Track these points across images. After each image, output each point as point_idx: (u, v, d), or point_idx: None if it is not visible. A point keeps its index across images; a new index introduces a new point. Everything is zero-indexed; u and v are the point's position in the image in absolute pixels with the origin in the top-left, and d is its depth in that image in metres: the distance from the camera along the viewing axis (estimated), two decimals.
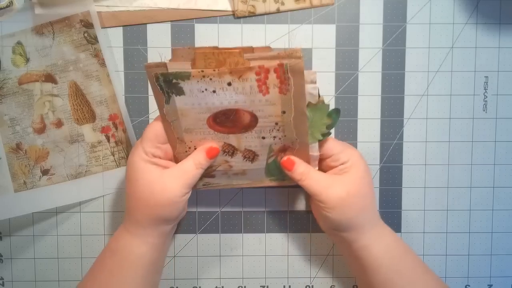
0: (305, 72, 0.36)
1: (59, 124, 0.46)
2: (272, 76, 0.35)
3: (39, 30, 0.45)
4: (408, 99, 0.47)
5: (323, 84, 0.46)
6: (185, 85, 0.36)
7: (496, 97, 0.47)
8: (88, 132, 0.46)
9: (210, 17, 0.46)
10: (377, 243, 0.39)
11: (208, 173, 0.42)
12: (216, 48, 0.35)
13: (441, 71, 0.47)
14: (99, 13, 0.45)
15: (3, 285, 0.47)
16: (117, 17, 0.46)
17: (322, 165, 0.42)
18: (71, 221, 0.47)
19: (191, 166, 0.39)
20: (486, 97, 0.47)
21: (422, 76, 0.47)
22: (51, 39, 0.45)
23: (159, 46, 0.46)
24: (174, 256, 0.48)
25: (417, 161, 0.47)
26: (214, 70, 0.35)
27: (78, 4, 0.45)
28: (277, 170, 0.42)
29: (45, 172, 0.46)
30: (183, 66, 0.35)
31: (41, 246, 0.47)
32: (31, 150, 0.46)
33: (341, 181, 0.39)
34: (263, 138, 0.40)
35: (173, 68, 0.35)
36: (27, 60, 0.45)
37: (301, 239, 0.48)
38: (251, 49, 0.36)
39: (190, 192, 0.39)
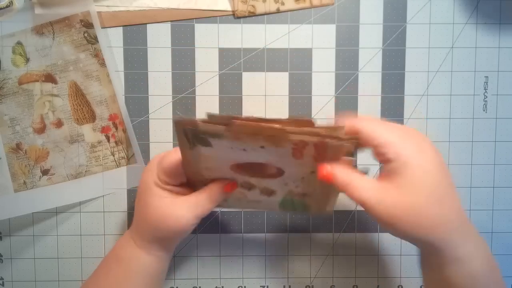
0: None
1: (59, 124, 0.46)
2: (310, 148, 0.33)
3: (39, 30, 0.45)
4: (408, 99, 0.47)
5: (323, 84, 0.46)
6: (214, 141, 0.33)
7: (496, 97, 0.47)
8: (88, 132, 0.46)
9: (210, 17, 0.46)
10: (475, 261, 0.30)
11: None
12: (256, 120, 0.31)
13: (441, 71, 0.47)
14: (99, 13, 0.45)
15: (3, 285, 0.47)
16: (117, 17, 0.46)
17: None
18: (71, 221, 0.47)
19: (206, 201, 0.38)
20: (486, 97, 0.47)
21: (422, 76, 0.47)
22: (51, 39, 0.45)
23: (159, 46, 0.46)
24: (174, 256, 0.48)
25: None
26: (249, 136, 0.32)
27: (78, 4, 0.45)
28: (291, 206, 0.41)
29: (45, 172, 0.46)
30: (216, 129, 0.32)
31: (41, 246, 0.47)
32: (31, 150, 0.46)
33: (391, 192, 0.30)
34: (286, 184, 0.38)
35: (204, 128, 0.32)
36: (27, 60, 0.45)
37: (301, 239, 0.48)
38: (292, 122, 0.31)
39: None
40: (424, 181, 0.29)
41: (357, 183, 0.31)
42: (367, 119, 0.33)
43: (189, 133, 0.34)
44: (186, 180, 0.40)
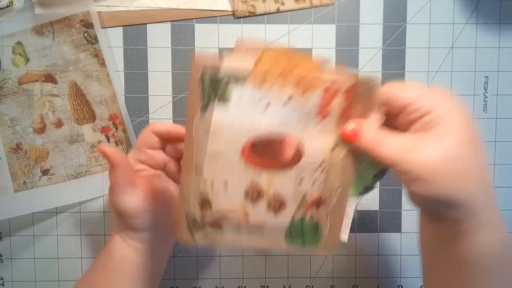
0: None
1: (59, 124, 0.46)
2: (339, 100, 0.30)
3: (39, 30, 0.45)
4: None
5: None
6: (235, 88, 0.29)
7: (496, 97, 0.47)
8: (88, 132, 0.46)
9: (210, 17, 0.46)
10: (490, 233, 0.28)
11: (214, 221, 0.33)
12: (290, 49, 0.29)
13: (441, 71, 0.47)
14: (99, 13, 0.45)
15: (3, 285, 0.47)
16: (117, 17, 0.46)
17: (393, 126, 0.30)
18: (71, 221, 0.47)
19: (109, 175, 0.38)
20: (486, 97, 0.47)
21: (422, 76, 0.47)
22: (51, 39, 0.45)
23: (159, 46, 0.46)
24: (174, 256, 0.48)
25: None
26: (280, 75, 0.29)
27: (78, 4, 0.45)
28: (300, 233, 0.34)
29: (45, 172, 0.46)
30: (244, 63, 0.28)
31: (41, 246, 0.47)
32: (31, 150, 0.46)
33: (428, 140, 0.27)
34: (301, 180, 0.32)
35: (230, 64, 0.28)
36: (27, 60, 0.45)
37: None
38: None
39: (149, 209, 0.38)
40: (466, 131, 0.27)
41: (388, 138, 0.29)
42: (388, 84, 0.30)
43: (207, 79, 0.29)
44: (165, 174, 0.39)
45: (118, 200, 0.37)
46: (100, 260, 0.40)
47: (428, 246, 0.33)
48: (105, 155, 0.36)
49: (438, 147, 0.27)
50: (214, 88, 0.29)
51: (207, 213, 0.33)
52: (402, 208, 0.48)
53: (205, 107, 0.29)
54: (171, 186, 0.41)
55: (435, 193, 0.27)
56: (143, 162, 0.39)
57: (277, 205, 0.33)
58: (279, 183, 0.32)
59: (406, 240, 0.48)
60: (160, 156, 0.40)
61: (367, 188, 0.33)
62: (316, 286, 0.48)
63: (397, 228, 0.48)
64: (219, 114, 0.30)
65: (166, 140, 0.40)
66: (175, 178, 0.41)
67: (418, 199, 0.28)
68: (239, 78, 0.28)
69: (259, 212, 0.33)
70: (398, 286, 0.48)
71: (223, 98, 0.29)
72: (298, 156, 0.32)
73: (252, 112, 0.30)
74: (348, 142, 0.31)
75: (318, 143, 0.31)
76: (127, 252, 0.38)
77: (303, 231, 0.35)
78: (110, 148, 0.37)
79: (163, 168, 0.41)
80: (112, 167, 0.37)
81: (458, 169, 0.27)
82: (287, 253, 0.48)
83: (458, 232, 0.28)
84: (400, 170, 0.28)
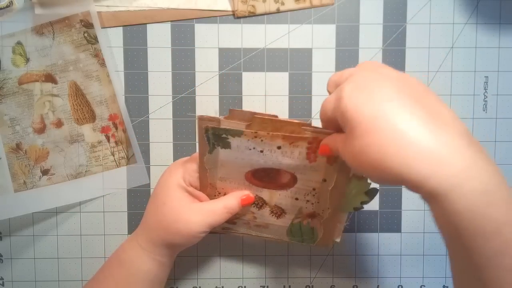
0: None
1: (59, 124, 0.46)
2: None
3: (39, 30, 0.45)
4: None
5: (323, 84, 0.46)
6: (233, 141, 0.36)
7: (496, 97, 0.47)
8: (88, 132, 0.46)
9: (210, 17, 0.46)
10: (460, 187, 0.23)
11: (230, 219, 0.41)
12: (275, 116, 0.34)
13: (441, 71, 0.47)
14: (99, 13, 0.45)
15: (3, 285, 0.47)
16: (117, 17, 0.46)
17: None
18: (71, 221, 0.47)
19: (221, 209, 0.38)
20: (486, 97, 0.47)
21: (422, 76, 0.47)
22: (51, 39, 0.45)
23: (159, 46, 0.46)
24: None
25: None
26: (268, 134, 0.35)
27: (78, 4, 0.45)
28: (299, 233, 0.42)
29: (45, 172, 0.46)
30: (237, 126, 0.35)
31: (41, 246, 0.47)
32: (31, 150, 0.46)
33: (347, 137, 0.28)
34: (296, 199, 0.39)
35: (226, 125, 0.35)
36: (27, 60, 0.45)
37: None
38: (309, 124, 0.35)
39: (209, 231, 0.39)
40: (369, 107, 0.26)
41: (332, 139, 0.32)
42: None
43: (210, 132, 0.36)
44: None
45: (204, 232, 0.38)
46: (112, 270, 0.39)
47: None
48: (245, 204, 0.40)
49: (351, 143, 0.27)
50: (217, 139, 0.36)
51: None
52: (402, 208, 0.48)
53: (211, 150, 0.37)
54: None
55: (377, 179, 0.27)
56: (195, 186, 0.40)
57: (278, 212, 0.41)
58: (278, 198, 0.40)
59: (406, 240, 0.48)
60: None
61: (356, 208, 0.38)
62: (316, 286, 0.48)
63: (397, 228, 0.48)
64: (223, 154, 0.37)
65: None
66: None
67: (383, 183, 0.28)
68: (235, 134, 0.35)
69: (264, 215, 0.41)
70: (398, 286, 0.48)
71: (225, 146, 0.36)
72: (292, 182, 0.38)
73: (250, 155, 0.37)
74: (326, 156, 0.35)
75: (309, 176, 0.38)
76: (148, 266, 0.39)
77: (301, 232, 0.42)
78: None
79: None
80: (234, 212, 0.39)
81: (379, 151, 0.25)
82: (287, 253, 0.48)
83: (433, 201, 0.25)
84: (346, 159, 0.28)
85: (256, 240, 0.47)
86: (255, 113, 0.34)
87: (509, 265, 0.22)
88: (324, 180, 0.37)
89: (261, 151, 0.36)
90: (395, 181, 0.25)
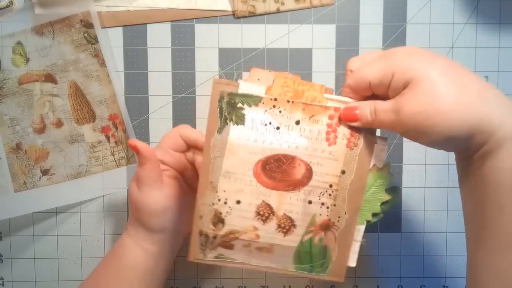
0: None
1: (59, 124, 0.46)
2: (345, 125, 0.34)
3: (39, 30, 0.45)
4: None
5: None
6: (249, 112, 0.33)
7: None
8: (88, 132, 0.46)
9: (210, 17, 0.46)
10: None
11: (226, 241, 0.35)
12: (298, 76, 0.33)
13: None
14: (99, 13, 0.45)
15: (3, 285, 0.47)
16: (117, 17, 0.46)
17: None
18: (71, 221, 0.47)
19: (137, 168, 0.39)
20: None
21: None
22: (51, 39, 0.45)
23: (159, 46, 0.46)
24: None
25: (417, 161, 0.47)
26: (288, 102, 0.33)
27: (78, 4, 0.45)
28: (308, 257, 0.36)
29: (45, 172, 0.46)
30: (257, 89, 0.33)
31: (41, 246, 0.47)
32: (31, 150, 0.46)
33: (409, 94, 0.29)
34: (310, 202, 0.35)
35: (245, 89, 0.33)
36: (27, 60, 0.45)
37: None
38: (331, 91, 0.34)
39: (170, 210, 0.39)
40: (435, 69, 0.28)
41: (381, 106, 0.31)
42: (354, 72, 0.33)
43: (225, 101, 0.33)
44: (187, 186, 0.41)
45: (144, 195, 0.38)
46: (107, 262, 0.40)
47: (463, 184, 0.32)
48: (135, 149, 0.37)
49: (419, 95, 0.28)
50: (231, 111, 0.33)
51: (219, 232, 0.35)
52: (402, 208, 0.48)
53: (221, 128, 0.33)
54: (187, 192, 0.42)
55: (442, 134, 0.28)
56: (166, 163, 0.40)
57: (287, 226, 0.35)
58: (288, 202, 0.34)
59: (406, 240, 0.48)
60: (182, 159, 0.41)
61: (375, 215, 0.35)
62: (316, 286, 0.48)
63: (397, 228, 0.48)
64: (234, 135, 0.33)
65: (190, 146, 0.41)
66: (191, 184, 0.42)
67: (436, 144, 0.29)
68: (252, 103, 0.32)
69: (269, 232, 0.35)
70: (398, 286, 0.48)
71: (238, 120, 0.33)
72: (307, 177, 0.34)
73: (263, 135, 0.33)
74: (349, 122, 0.33)
75: (326, 168, 0.34)
76: (138, 255, 0.39)
77: (311, 254, 0.36)
78: (141, 142, 0.38)
79: (182, 172, 0.42)
80: (143, 161, 0.37)
81: (449, 102, 0.27)
82: None
83: (483, 156, 0.28)
84: (400, 129, 0.30)
85: (255, 271, 0.41)
86: (276, 72, 0.33)
87: None
88: (343, 172, 0.34)
89: (278, 128, 0.33)
90: (467, 129, 0.27)
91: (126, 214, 0.47)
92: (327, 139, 0.34)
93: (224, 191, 0.34)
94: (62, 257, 0.48)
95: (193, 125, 0.47)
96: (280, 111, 0.33)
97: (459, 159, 0.32)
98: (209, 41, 0.46)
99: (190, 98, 0.46)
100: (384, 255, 0.48)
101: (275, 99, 0.33)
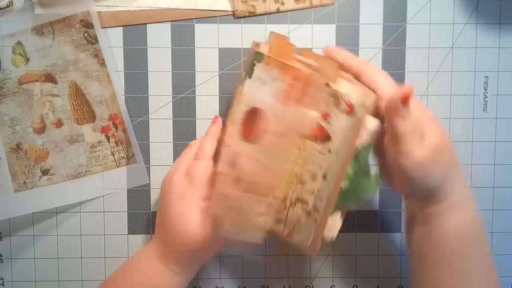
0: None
1: (59, 124, 0.46)
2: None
3: (39, 30, 0.45)
4: None
5: None
6: (256, 67, 0.36)
7: (496, 97, 0.47)
8: (88, 132, 0.46)
9: (210, 17, 0.46)
10: (457, 213, 0.34)
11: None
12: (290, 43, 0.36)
13: (441, 71, 0.47)
14: (99, 13, 0.45)
15: (3, 285, 0.47)
16: (117, 17, 0.46)
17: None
18: (71, 221, 0.47)
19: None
20: (486, 97, 0.47)
21: (422, 76, 0.47)
22: (51, 39, 0.45)
23: (159, 46, 0.46)
24: None
25: None
26: (280, 62, 0.36)
27: (78, 4, 0.45)
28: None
29: (45, 172, 0.46)
30: (265, 48, 0.36)
31: (41, 246, 0.47)
32: (31, 150, 0.46)
33: (429, 130, 0.34)
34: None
35: (261, 48, 0.36)
36: (27, 60, 0.45)
37: None
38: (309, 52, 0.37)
39: None
40: (442, 134, 0.35)
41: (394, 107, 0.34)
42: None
43: (250, 60, 0.37)
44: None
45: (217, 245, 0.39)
46: (130, 279, 0.39)
47: (412, 234, 0.38)
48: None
49: (439, 134, 0.34)
50: (250, 65, 0.37)
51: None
52: (402, 208, 0.48)
53: (242, 80, 0.37)
54: None
55: (436, 168, 0.34)
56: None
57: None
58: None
59: None
60: None
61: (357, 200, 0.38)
62: (316, 286, 0.48)
63: (397, 228, 0.48)
64: (244, 86, 0.37)
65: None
66: None
67: (420, 175, 0.34)
68: (258, 59, 0.36)
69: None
70: (398, 286, 0.48)
71: (250, 73, 0.36)
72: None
73: (255, 89, 0.36)
74: (402, 101, 0.33)
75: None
76: (173, 281, 0.39)
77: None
78: None
79: None
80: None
81: (448, 153, 0.35)
82: (287, 253, 0.48)
83: (435, 212, 0.35)
84: (414, 143, 0.33)
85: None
86: (277, 35, 0.36)
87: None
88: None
89: (264, 84, 0.36)
90: (436, 181, 0.34)
91: (126, 214, 0.47)
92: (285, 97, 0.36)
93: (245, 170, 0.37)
94: (62, 257, 0.48)
95: (193, 125, 0.47)
96: (270, 69, 0.36)
97: (414, 211, 0.37)
98: (209, 41, 0.46)
99: (190, 98, 0.46)
100: (384, 255, 0.48)
101: (270, 58, 0.36)
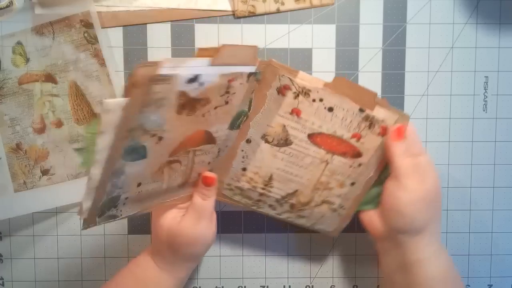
0: None
1: (59, 124, 0.46)
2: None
3: (39, 30, 0.45)
4: (408, 99, 0.47)
5: None
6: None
7: (496, 97, 0.47)
8: None
9: (210, 17, 0.46)
10: (436, 261, 0.37)
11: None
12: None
13: (441, 71, 0.47)
14: (99, 13, 0.45)
15: (3, 285, 0.47)
16: (117, 17, 0.46)
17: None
18: (71, 221, 0.47)
19: (197, 199, 0.38)
20: (486, 97, 0.47)
21: (422, 76, 0.47)
22: (51, 39, 0.45)
23: (159, 46, 0.46)
24: None
25: None
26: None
27: (78, 4, 0.45)
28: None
29: (45, 172, 0.46)
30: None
31: (41, 246, 0.47)
32: (31, 150, 0.46)
33: (429, 176, 0.37)
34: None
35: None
36: (27, 60, 0.45)
37: (301, 239, 0.48)
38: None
39: (214, 225, 0.39)
40: (436, 183, 0.37)
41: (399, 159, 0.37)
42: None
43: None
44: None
45: (203, 228, 0.38)
46: (128, 285, 0.39)
47: (387, 274, 0.40)
48: (212, 183, 0.38)
49: (432, 183, 0.37)
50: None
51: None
52: None
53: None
54: None
55: (418, 215, 0.36)
56: None
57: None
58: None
59: None
60: None
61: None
62: (316, 286, 0.48)
63: None
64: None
65: None
66: None
67: (402, 219, 0.36)
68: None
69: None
70: None
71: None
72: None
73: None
74: (395, 139, 0.37)
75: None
76: (168, 282, 0.39)
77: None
78: (213, 174, 0.39)
79: None
80: (212, 194, 0.39)
81: (435, 203, 0.37)
82: (287, 253, 0.48)
83: (417, 260, 0.36)
84: (406, 187, 0.36)
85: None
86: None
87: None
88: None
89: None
90: (423, 222, 0.37)
91: None
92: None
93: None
94: (62, 257, 0.48)
95: None
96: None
97: (392, 261, 0.39)
98: (209, 41, 0.46)
99: None
100: None
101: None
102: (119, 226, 0.47)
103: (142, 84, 0.29)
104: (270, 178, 0.40)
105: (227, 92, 0.35)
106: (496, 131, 0.47)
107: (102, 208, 0.34)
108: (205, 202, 0.38)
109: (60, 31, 0.45)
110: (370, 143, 0.39)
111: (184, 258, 0.39)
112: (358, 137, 0.38)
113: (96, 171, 0.33)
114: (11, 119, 0.46)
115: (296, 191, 0.40)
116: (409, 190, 0.36)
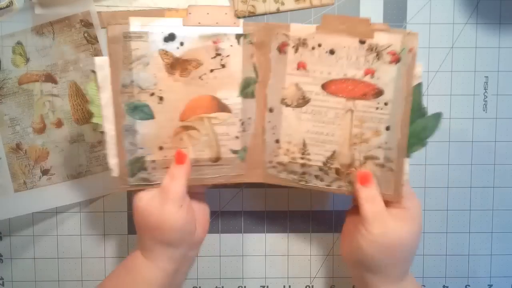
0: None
1: (59, 124, 0.46)
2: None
3: (39, 30, 0.45)
4: None
5: None
6: None
7: (496, 97, 0.47)
8: (88, 132, 0.46)
9: None
10: None
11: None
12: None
13: (441, 71, 0.47)
14: (99, 13, 0.45)
15: (3, 285, 0.47)
16: (117, 17, 0.45)
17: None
18: (71, 221, 0.47)
19: (165, 179, 0.37)
20: (486, 97, 0.47)
21: (422, 76, 0.47)
22: (51, 39, 0.45)
23: None
24: None
25: (417, 161, 0.47)
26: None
27: (78, 4, 0.45)
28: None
29: (45, 172, 0.46)
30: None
31: (41, 246, 0.47)
32: (31, 150, 0.46)
33: (402, 225, 0.36)
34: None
35: None
36: (27, 60, 0.45)
37: (301, 239, 0.48)
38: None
39: (184, 210, 0.36)
40: (418, 233, 0.37)
41: (379, 202, 0.37)
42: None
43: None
44: None
45: (170, 211, 0.35)
46: (120, 278, 0.38)
47: None
48: (181, 161, 0.37)
49: (403, 232, 0.36)
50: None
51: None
52: None
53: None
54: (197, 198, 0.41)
55: (383, 260, 0.36)
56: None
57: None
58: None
59: None
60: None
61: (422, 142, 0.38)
62: (316, 286, 0.48)
63: None
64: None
65: None
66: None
67: (364, 257, 0.36)
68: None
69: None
70: None
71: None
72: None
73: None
74: (361, 183, 0.37)
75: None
76: (153, 273, 0.37)
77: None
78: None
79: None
80: (181, 175, 0.36)
81: (404, 252, 0.36)
82: (287, 253, 0.48)
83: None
84: (371, 232, 0.36)
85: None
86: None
87: None
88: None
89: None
90: (376, 271, 0.37)
91: (126, 214, 0.47)
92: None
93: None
94: (62, 257, 0.48)
95: None
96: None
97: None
98: None
99: None
100: None
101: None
102: (119, 226, 0.47)
103: (118, 40, 0.35)
104: (304, 145, 0.38)
105: (219, 54, 0.36)
106: (496, 131, 0.47)
107: (131, 168, 0.37)
108: (172, 183, 0.36)
109: (60, 31, 0.45)
110: (386, 75, 0.36)
111: (158, 244, 0.37)
112: (371, 72, 0.36)
113: (109, 126, 0.36)
114: (11, 119, 0.46)
115: (334, 152, 0.38)
116: (372, 235, 0.36)
